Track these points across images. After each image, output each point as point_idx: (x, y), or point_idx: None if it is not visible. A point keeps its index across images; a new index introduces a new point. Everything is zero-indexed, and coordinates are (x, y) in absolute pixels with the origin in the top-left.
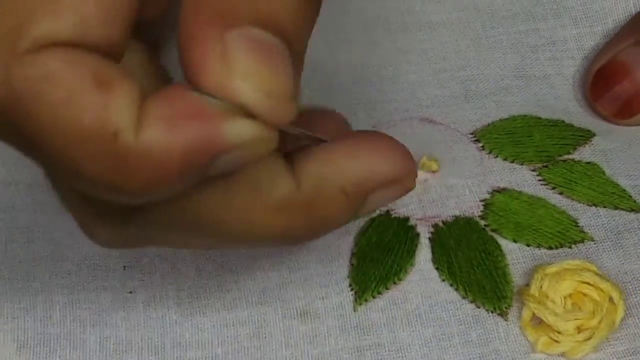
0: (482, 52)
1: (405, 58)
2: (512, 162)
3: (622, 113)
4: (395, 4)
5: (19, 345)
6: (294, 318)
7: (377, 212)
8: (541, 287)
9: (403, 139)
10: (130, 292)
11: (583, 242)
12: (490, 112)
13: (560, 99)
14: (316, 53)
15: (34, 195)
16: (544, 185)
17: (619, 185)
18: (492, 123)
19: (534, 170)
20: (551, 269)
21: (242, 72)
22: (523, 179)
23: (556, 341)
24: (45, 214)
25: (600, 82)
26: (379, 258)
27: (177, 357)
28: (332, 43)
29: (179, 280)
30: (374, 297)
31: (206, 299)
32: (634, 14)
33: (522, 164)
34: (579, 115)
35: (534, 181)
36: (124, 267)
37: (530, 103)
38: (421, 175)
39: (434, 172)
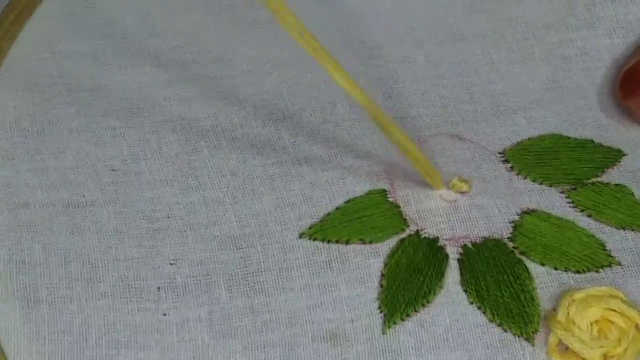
0: (514, 65)
1: (437, 72)
2: (541, 183)
3: None
4: (427, 17)
5: None
6: (324, 341)
7: (407, 232)
8: (568, 314)
9: (433, 155)
10: (164, 315)
11: (610, 266)
12: (520, 129)
13: (592, 110)
14: (348, 68)
15: (70, 216)
16: (573, 207)
17: None
18: (521, 142)
19: (562, 193)
20: (578, 295)
21: None
22: (552, 201)
23: None
24: (81, 235)
25: (631, 81)
26: (409, 280)
27: None
28: (364, 58)
29: (211, 302)
30: (402, 320)
31: (237, 320)
32: None
33: (551, 186)
34: (610, 129)
35: (563, 203)
36: (158, 288)
37: (561, 117)
38: (451, 195)
39: (463, 192)
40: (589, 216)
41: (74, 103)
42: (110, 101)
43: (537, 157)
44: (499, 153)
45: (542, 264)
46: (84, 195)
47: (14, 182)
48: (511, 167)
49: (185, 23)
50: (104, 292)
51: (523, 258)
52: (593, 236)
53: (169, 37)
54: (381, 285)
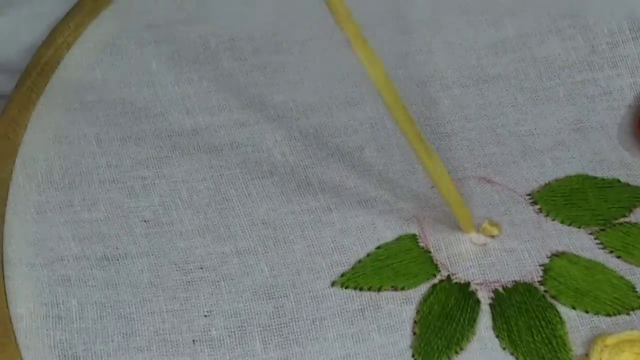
0: (539, 105)
1: (463, 114)
2: (570, 225)
3: None
4: (451, 59)
5: None
6: None
7: (438, 278)
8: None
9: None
10: None
11: None
12: (547, 170)
13: (617, 149)
14: (374, 112)
15: (104, 270)
16: (602, 249)
17: None
18: (549, 184)
19: (591, 234)
20: (610, 340)
21: None
22: (581, 242)
23: None
24: (115, 288)
25: None
26: (441, 327)
27: None
28: None
29: (245, 354)
30: None
31: None
32: None
33: (579, 228)
34: (636, 167)
35: (592, 245)
36: (193, 341)
37: (587, 157)
38: (481, 239)
39: (494, 236)
40: (619, 257)
41: (104, 154)
42: (139, 150)
43: (565, 199)
44: (527, 195)
45: (573, 308)
46: (117, 248)
47: (48, 236)
48: (540, 209)
49: (211, 69)
50: (141, 347)
51: (554, 302)
52: (623, 278)
53: (195, 83)
54: (414, 333)
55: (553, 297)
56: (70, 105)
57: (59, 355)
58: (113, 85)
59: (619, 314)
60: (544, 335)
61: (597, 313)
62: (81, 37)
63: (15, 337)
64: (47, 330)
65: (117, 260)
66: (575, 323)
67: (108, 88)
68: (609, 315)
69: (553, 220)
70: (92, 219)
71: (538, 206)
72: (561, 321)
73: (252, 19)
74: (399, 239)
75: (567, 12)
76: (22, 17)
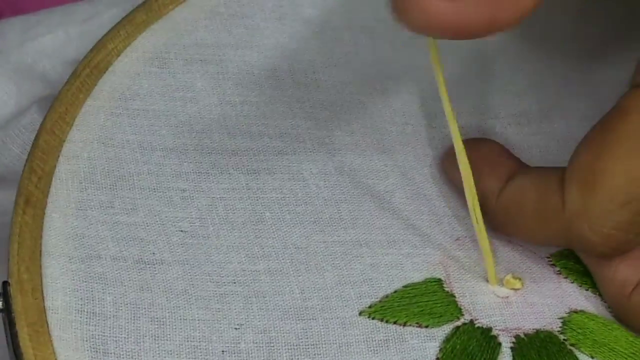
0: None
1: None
2: (587, 290)
3: None
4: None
5: None
6: None
7: (462, 320)
8: None
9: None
10: None
11: None
12: None
13: None
14: (405, 161)
15: (140, 272)
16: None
17: None
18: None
19: (606, 302)
20: None
21: None
22: (598, 307)
23: None
24: (150, 291)
25: None
26: None
27: None
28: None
29: None
30: None
31: None
32: None
33: (596, 294)
34: None
35: (607, 312)
36: (223, 351)
37: None
38: (504, 291)
39: (516, 289)
40: None
41: (146, 162)
42: (180, 163)
43: (582, 265)
44: (547, 257)
45: (592, 357)
46: (153, 253)
47: (87, 234)
48: (559, 272)
49: (253, 95)
50: (171, 351)
51: (573, 349)
52: (638, 337)
53: (237, 106)
54: None
55: (572, 345)
56: (115, 110)
57: (90, 349)
58: (158, 97)
59: None
60: None
61: None
62: (130, 46)
63: (49, 327)
64: (81, 324)
65: (153, 265)
66: None
67: (153, 99)
68: None
69: (572, 282)
70: (131, 222)
71: (557, 268)
72: None
73: (295, 53)
74: (426, 281)
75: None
76: (69, 35)
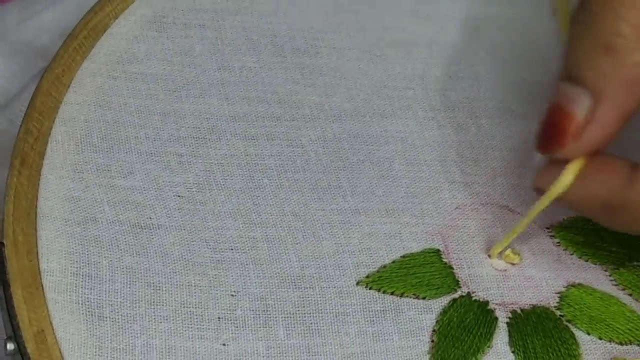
0: None
1: (489, 143)
2: (587, 261)
3: None
4: (481, 91)
5: None
6: None
7: (459, 293)
8: None
9: (485, 223)
10: (223, 345)
11: None
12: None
13: None
14: (405, 126)
15: (137, 237)
16: (615, 285)
17: None
18: (567, 220)
19: (606, 271)
20: None
21: None
22: (597, 277)
23: None
24: (146, 256)
25: None
26: (459, 337)
27: None
28: (421, 120)
29: (268, 337)
30: None
31: (294, 358)
32: None
33: (596, 264)
34: None
35: (607, 281)
36: (219, 318)
37: None
38: (502, 264)
39: (514, 264)
40: (630, 295)
41: (144, 125)
42: (178, 128)
43: (582, 236)
44: (547, 228)
45: (588, 333)
46: (150, 218)
47: (83, 196)
48: (558, 243)
49: (252, 61)
50: (166, 316)
51: (569, 325)
52: (636, 312)
53: (236, 71)
54: (432, 341)
55: (568, 321)
56: (113, 73)
57: (85, 313)
58: (156, 61)
59: (631, 343)
60: (559, 354)
61: (610, 340)
62: (129, 9)
63: (43, 290)
64: (76, 287)
65: (150, 229)
66: (590, 347)
67: (151, 62)
68: (621, 343)
69: (571, 254)
70: (128, 186)
71: (557, 240)
72: (576, 342)
73: (295, 19)
74: (424, 251)
75: None
76: (67, 7)
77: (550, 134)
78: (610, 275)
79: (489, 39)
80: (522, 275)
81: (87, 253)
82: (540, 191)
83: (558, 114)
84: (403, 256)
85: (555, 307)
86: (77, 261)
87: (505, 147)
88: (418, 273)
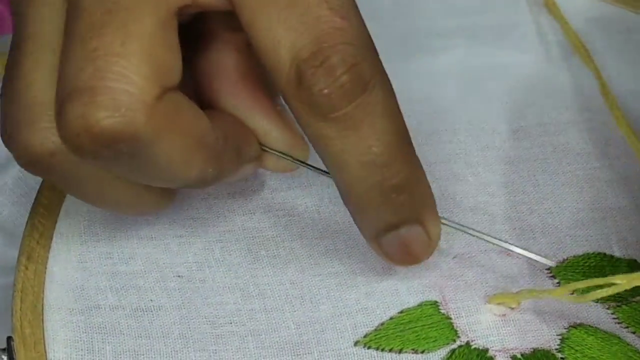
0: (558, 187)
1: (486, 190)
2: None
3: None
4: (476, 141)
5: None
6: None
7: (457, 343)
8: None
9: (483, 270)
10: None
11: None
12: (565, 247)
13: (634, 230)
14: None
15: (138, 320)
16: (618, 323)
17: None
18: (567, 259)
19: (608, 309)
20: None
21: None
22: (598, 316)
23: None
24: (148, 338)
25: None
26: None
27: None
28: None
29: None
30: None
31: None
32: None
33: (597, 302)
34: None
35: (609, 319)
36: None
37: (605, 237)
38: (501, 309)
39: (513, 308)
40: (634, 332)
41: None
42: (177, 211)
43: (583, 275)
44: (546, 270)
45: None
46: (151, 300)
47: (87, 285)
48: (558, 283)
49: None
50: None
51: None
52: (638, 351)
53: None
54: None
55: None
56: None
57: None
58: None
59: None
60: None
61: None
62: None
63: None
64: None
65: (151, 311)
66: None
67: None
68: None
69: (571, 293)
70: (129, 271)
71: (557, 280)
72: None
73: None
74: (421, 304)
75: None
76: None
77: None
78: (612, 313)
79: (482, 88)
80: (521, 319)
81: (91, 340)
82: None
83: None
84: (400, 312)
85: (556, 349)
86: (81, 349)
87: (502, 192)
88: (416, 327)
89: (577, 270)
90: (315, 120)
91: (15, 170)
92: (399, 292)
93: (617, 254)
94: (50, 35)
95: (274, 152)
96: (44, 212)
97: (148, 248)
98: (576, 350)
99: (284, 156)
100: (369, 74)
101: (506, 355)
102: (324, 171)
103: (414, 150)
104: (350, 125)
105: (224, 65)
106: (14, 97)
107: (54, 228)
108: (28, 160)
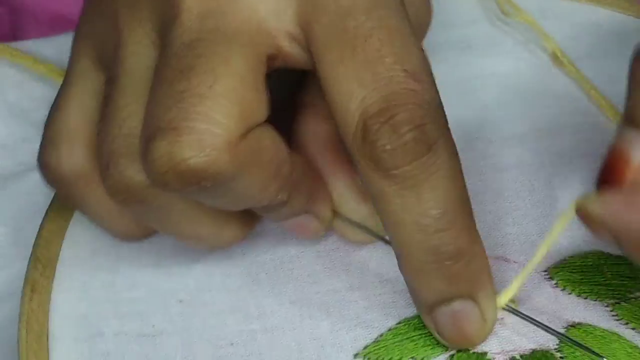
0: (554, 190)
1: (480, 199)
2: (586, 298)
3: None
4: (470, 150)
5: None
6: None
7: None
8: None
9: None
10: None
11: None
12: (562, 248)
13: None
14: None
15: (141, 345)
16: (617, 320)
17: None
18: (564, 260)
19: (607, 307)
20: None
21: None
22: (597, 314)
23: None
24: None
25: None
26: None
27: None
28: None
29: None
30: None
31: None
32: None
33: (595, 300)
34: None
35: (608, 316)
36: None
37: None
38: (499, 312)
39: (509, 311)
40: (633, 329)
41: (148, 241)
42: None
43: (581, 274)
44: (543, 271)
45: None
46: (153, 325)
47: (90, 313)
48: (556, 284)
49: None
50: None
51: None
52: (637, 347)
53: None
54: None
55: None
56: None
57: None
58: None
59: None
60: None
61: None
62: None
63: None
64: None
65: (154, 336)
66: None
67: None
68: None
69: (569, 294)
70: (132, 298)
71: (554, 281)
72: None
73: None
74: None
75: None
76: None
77: (607, 177)
78: (611, 310)
79: (475, 98)
80: (519, 321)
81: None
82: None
83: (615, 157)
84: (398, 322)
85: (555, 349)
86: None
87: (498, 200)
88: (414, 336)
89: (574, 270)
90: (377, 177)
91: None
92: (397, 304)
93: (615, 252)
94: (144, 71)
95: (346, 219)
96: (46, 245)
97: (150, 275)
98: (575, 349)
99: (355, 224)
100: (435, 135)
101: (505, 357)
102: None
103: (475, 223)
104: (410, 185)
105: (314, 130)
106: (109, 129)
107: (57, 259)
108: (122, 189)
